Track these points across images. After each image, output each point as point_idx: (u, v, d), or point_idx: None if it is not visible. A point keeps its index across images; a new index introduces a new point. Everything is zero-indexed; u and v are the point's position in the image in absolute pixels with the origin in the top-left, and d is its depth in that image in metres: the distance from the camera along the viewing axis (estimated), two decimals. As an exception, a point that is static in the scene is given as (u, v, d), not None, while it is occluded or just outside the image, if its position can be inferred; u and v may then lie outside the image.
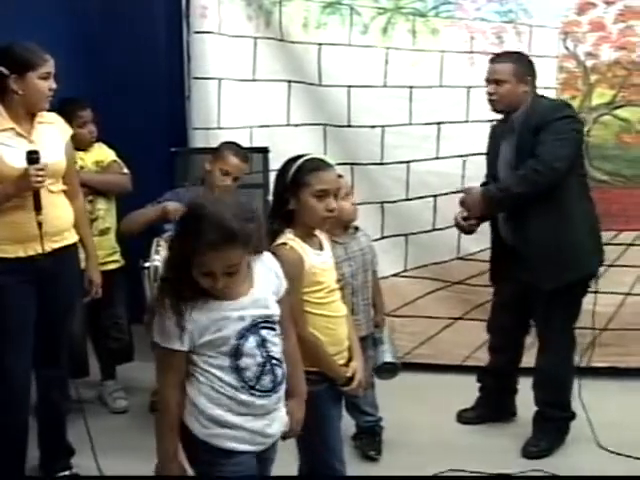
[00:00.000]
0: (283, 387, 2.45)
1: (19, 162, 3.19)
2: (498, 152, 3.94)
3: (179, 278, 2.27)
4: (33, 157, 3.18)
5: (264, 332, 2.37)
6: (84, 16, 5.24)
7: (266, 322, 2.38)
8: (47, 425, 3.60)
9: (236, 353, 2.33)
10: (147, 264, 3.91)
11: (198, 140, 4.84)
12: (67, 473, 3.65)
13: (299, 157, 2.73)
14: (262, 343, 2.36)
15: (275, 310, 2.42)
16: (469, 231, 4.02)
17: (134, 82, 5.23)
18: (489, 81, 3.87)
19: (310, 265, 2.66)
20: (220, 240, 2.21)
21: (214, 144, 4.39)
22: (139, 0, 5.34)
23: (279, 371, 2.41)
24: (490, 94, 3.87)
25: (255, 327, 2.35)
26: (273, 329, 2.41)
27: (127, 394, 4.57)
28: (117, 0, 5.31)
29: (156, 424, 2.45)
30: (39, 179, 3.17)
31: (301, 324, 2.66)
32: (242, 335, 2.33)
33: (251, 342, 2.34)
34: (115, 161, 4.40)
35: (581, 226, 3.84)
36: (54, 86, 3.29)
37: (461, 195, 3.97)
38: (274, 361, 2.40)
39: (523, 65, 3.86)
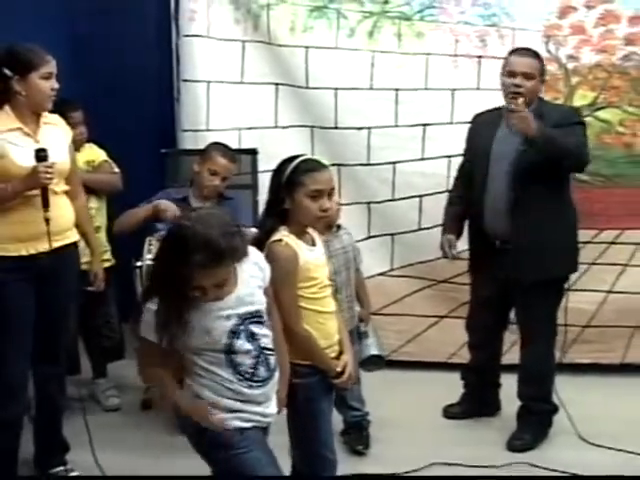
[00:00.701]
0: (277, 372, 2.58)
1: (26, 161, 3.26)
2: (491, 143, 3.94)
3: (166, 288, 2.35)
4: (41, 155, 3.25)
5: (252, 327, 2.47)
6: (74, 18, 5.28)
7: (253, 317, 2.47)
8: (43, 421, 3.65)
9: (229, 350, 2.43)
10: (139, 263, 3.98)
11: (187, 142, 4.89)
12: (62, 468, 3.70)
13: (294, 158, 2.80)
14: (252, 337, 2.46)
15: (261, 304, 2.51)
16: (453, 257, 4.12)
17: (124, 84, 5.28)
18: (514, 73, 3.80)
19: (304, 261, 2.72)
20: (208, 261, 2.29)
21: (203, 146, 4.42)
22: (129, 3, 5.38)
23: (272, 359, 2.53)
24: (517, 86, 3.78)
25: (243, 324, 2.45)
26: (261, 322, 2.50)
27: (119, 392, 4.62)
28: (107, 2, 5.34)
29: (159, 389, 2.76)
30: (47, 176, 3.24)
31: (295, 319, 2.73)
32: (232, 333, 2.43)
33: (242, 338, 2.44)
34: (106, 161, 4.46)
35: (572, 225, 3.98)
36: (56, 86, 3.34)
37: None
38: (266, 351, 2.51)
39: (544, 67, 3.89)
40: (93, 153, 4.45)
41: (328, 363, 2.85)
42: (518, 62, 3.84)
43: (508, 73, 3.85)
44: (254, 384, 2.47)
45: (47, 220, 3.28)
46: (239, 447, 2.48)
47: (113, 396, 4.56)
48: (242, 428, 2.49)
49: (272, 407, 2.58)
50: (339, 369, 2.87)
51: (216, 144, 4.29)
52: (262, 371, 2.49)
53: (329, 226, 3.63)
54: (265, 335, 2.51)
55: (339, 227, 3.77)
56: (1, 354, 3.38)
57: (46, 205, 3.28)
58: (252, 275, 2.51)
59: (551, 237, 3.85)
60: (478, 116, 4.14)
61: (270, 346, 2.53)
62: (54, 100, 3.41)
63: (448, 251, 4.11)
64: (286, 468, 3.00)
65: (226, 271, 2.36)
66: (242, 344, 2.44)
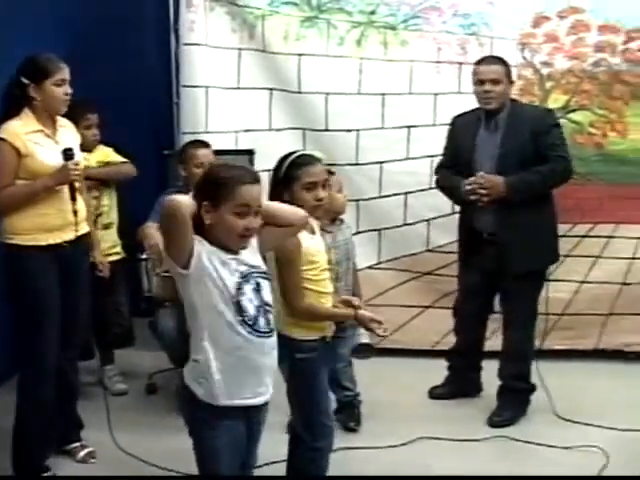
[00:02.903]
0: (275, 336, 2.65)
1: (50, 160, 3.54)
2: (474, 143, 4.21)
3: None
4: (69, 154, 3.55)
5: (259, 279, 2.61)
6: (74, 23, 5.32)
7: (261, 272, 2.63)
8: (60, 400, 3.81)
9: (238, 290, 2.54)
10: (144, 255, 4.26)
11: (187, 144, 5.13)
12: (78, 444, 3.95)
13: (291, 154, 3.06)
14: (257, 289, 2.59)
15: (267, 269, 2.67)
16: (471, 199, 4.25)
17: (123, 89, 5.38)
18: (484, 81, 4.11)
19: (306, 247, 2.98)
20: (251, 177, 2.53)
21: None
22: (128, 11, 5.53)
23: (271, 317, 2.63)
24: (487, 92, 4.10)
25: (251, 275, 2.58)
26: (267, 279, 2.65)
27: (125, 378, 4.85)
28: (107, 10, 5.48)
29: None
30: (76, 172, 3.55)
31: (299, 297, 2.98)
32: (243, 277, 2.55)
33: (250, 285, 2.57)
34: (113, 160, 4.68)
35: (551, 219, 4.27)
36: (69, 91, 3.60)
37: (479, 177, 4.09)
38: (267, 307, 2.61)
39: (509, 69, 4.19)
40: (104, 154, 4.68)
41: (341, 313, 3.17)
42: (485, 70, 4.16)
43: (478, 82, 4.17)
44: (254, 332, 2.55)
45: (75, 212, 3.59)
46: (221, 426, 2.59)
47: (120, 382, 4.79)
48: (230, 407, 2.59)
49: (267, 380, 2.66)
50: (352, 313, 3.16)
51: (187, 143, 4.56)
52: (262, 323, 2.57)
53: (334, 219, 3.93)
54: (268, 292, 2.62)
55: (342, 221, 4.03)
56: (36, 340, 3.60)
57: (74, 198, 3.58)
58: (255, 252, 2.66)
59: (533, 232, 4.13)
60: (458, 117, 4.39)
61: (271, 303, 2.63)
62: (71, 102, 3.66)
63: (470, 187, 4.14)
64: (280, 445, 3.30)
65: (260, 195, 2.55)
66: (249, 290, 2.55)
